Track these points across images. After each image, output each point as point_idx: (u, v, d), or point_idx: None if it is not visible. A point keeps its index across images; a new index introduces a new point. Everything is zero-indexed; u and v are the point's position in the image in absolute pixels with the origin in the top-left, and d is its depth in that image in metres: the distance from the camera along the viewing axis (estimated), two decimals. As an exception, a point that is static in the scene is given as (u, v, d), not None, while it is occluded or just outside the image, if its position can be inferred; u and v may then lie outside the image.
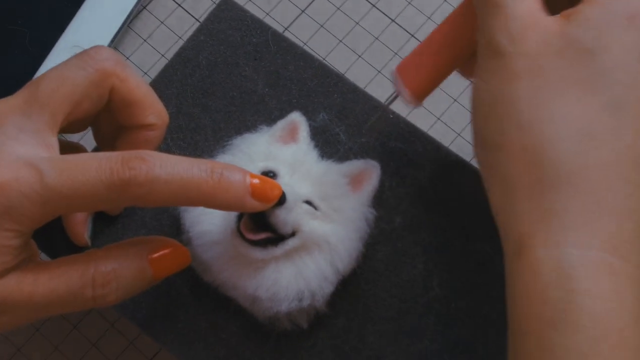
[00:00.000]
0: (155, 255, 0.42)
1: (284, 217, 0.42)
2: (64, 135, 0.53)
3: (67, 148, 0.47)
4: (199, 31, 0.52)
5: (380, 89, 0.60)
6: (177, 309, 0.48)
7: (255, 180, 0.40)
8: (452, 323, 0.47)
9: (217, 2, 0.54)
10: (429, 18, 0.62)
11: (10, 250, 0.38)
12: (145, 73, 0.61)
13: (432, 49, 0.45)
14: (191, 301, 0.48)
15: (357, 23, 0.62)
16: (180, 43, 0.55)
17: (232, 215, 0.44)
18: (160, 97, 0.46)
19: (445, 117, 0.59)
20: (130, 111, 0.44)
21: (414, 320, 0.47)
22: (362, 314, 0.47)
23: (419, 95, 0.45)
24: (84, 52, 0.43)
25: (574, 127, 0.37)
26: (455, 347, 0.47)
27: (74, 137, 0.56)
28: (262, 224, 0.43)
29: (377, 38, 0.61)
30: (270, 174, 0.45)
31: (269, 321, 0.46)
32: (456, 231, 0.49)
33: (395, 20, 0.62)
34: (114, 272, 0.40)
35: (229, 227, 0.44)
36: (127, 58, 0.62)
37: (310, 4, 0.62)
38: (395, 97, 0.47)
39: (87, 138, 0.58)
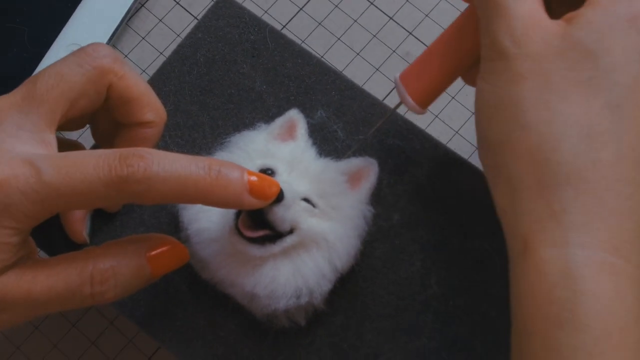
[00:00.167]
0: (154, 252, 0.42)
1: (282, 215, 0.42)
2: (62, 132, 0.53)
3: (65, 146, 0.47)
4: (196, 28, 0.52)
5: (378, 87, 0.60)
6: (175, 307, 0.48)
7: (253, 178, 0.40)
8: (450, 321, 0.47)
9: (215, -1, 0.54)
10: (427, 15, 0.62)
11: (9, 247, 0.39)
12: (144, 71, 0.61)
13: (434, 57, 0.45)
14: (189, 299, 0.48)
15: (355, 21, 0.62)
16: (179, 41, 0.55)
17: (230, 213, 0.44)
18: (158, 94, 0.46)
19: (443, 115, 0.59)
20: (128, 108, 0.44)
21: (412, 318, 0.47)
22: (360, 312, 0.47)
23: (423, 103, 0.46)
24: (82, 50, 0.43)
25: (576, 128, 0.38)
26: (453, 344, 0.47)
27: (72, 135, 0.57)
28: (260, 221, 0.43)
29: (375, 35, 0.61)
30: (268, 171, 0.45)
31: (267, 319, 0.46)
32: (454, 229, 0.49)
33: (393, 18, 0.62)
34: (113, 270, 0.40)
35: (227, 224, 0.44)
36: (126, 56, 0.62)
37: (308, 1, 0.62)
38: (400, 104, 0.47)
39: (85, 136, 0.58)
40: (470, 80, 0.47)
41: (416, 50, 0.61)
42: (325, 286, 0.45)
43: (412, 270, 0.48)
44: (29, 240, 0.41)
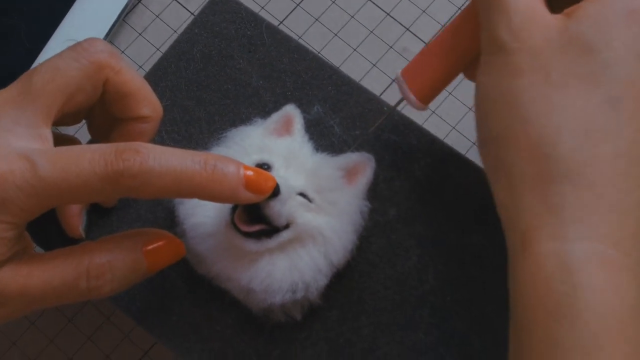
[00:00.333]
0: (150, 247, 0.42)
1: (278, 209, 0.42)
2: (58, 127, 0.53)
3: (62, 141, 0.47)
4: (193, 24, 0.52)
5: (375, 82, 0.60)
6: (171, 302, 0.48)
7: (249, 172, 0.40)
8: (447, 315, 0.47)
9: (211, -5, 0.54)
10: (424, 12, 0.62)
11: (4, 242, 0.38)
12: (141, 67, 0.61)
13: (436, 53, 0.45)
14: (185, 293, 0.48)
15: (352, 17, 0.62)
16: (175, 37, 0.55)
17: (226, 208, 0.44)
18: (155, 90, 0.46)
19: (440, 110, 0.59)
20: (124, 103, 0.44)
21: (409, 313, 0.47)
22: (356, 306, 0.47)
23: (425, 100, 0.46)
24: (78, 44, 0.43)
25: (576, 122, 0.38)
26: (450, 339, 0.47)
27: (68, 130, 0.57)
28: (256, 216, 0.43)
29: (371, 31, 0.61)
30: (264, 166, 0.45)
31: (263, 313, 0.46)
32: (451, 224, 0.49)
33: (390, 14, 0.62)
34: (109, 264, 0.40)
35: (223, 219, 0.44)
36: (123, 52, 0.62)
37: (305, -3, 0.62)
38: (401, 101, 0.47)
39: (81, 131, 0.58)
40: (471, 76, 0.46)
41: (413, 46, 0.61)
42: (322, 281, 0.45)
43: (408, 265, 0.48)
44: (24, 235, 0.41)
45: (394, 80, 0.60)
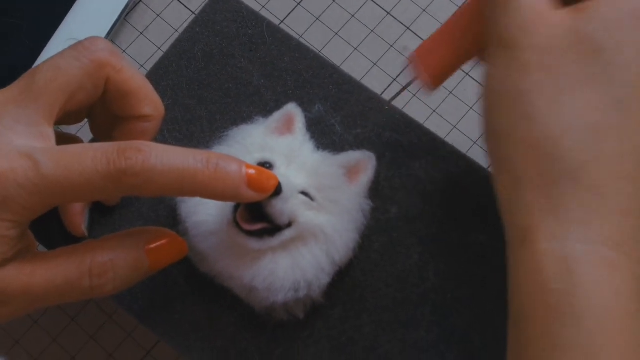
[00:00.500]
0: (152, 245, 0.42)
1: (280, 208, 0.42)
2: (60, 127, 0.53)
3: (64, 140, 0.47)
4: (194, 23, 0.53)
5: (375, 81, 0.60)
6: (173, 300, 0.48)
7: (251, 171, 0.40)
8: (448, 313, 0.47)
9: (212, -6, 0.54)
10: (424, 10, 0.62)
11: (7, 240, 0.39)
12: (142, 66, 0.61)
13: (452, 33, 0.44)
14: (188, 292, 0.48)
15: (353, 16, 0.62)
16: (177, 36, 0.55)
17: (229, 206, 0.44)
18: (156, 89, 0.46)
19: (440, 109, 0.60)
20: (126, 102, 0.44)
21: (410, 311, 0.47)
22: (358, 305, 0.47)
23: (437, 80, 0.45)
24: (79, 43, 0.43)
25: (581, 123, 0.37)
26: (451, 337, 0.47)
27: (71, 129, 0.57)
28: (258, 214, 0.43)
29: (372, 30, 0.62)
30: (266, 164, 0.46)
31: (265, 311, 0.46)
32: (452, 222, 0.49)
33: (391, 13, 0.62)
34: (111, 263, 0.41)
35: (225, 217, 0.44)
36: (124, 51, 0.62)
37: (306, -4, 0.62)
38: (411, 82, 0.47)
39: (83, 130, 0.58)
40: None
41: (414, 45, 0.61)
42: (324, 279, 0.45)
43: (410, 263, 0.48)
44: (27, 234, 0.41)
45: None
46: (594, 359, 0.35)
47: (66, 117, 0.44)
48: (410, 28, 0.62)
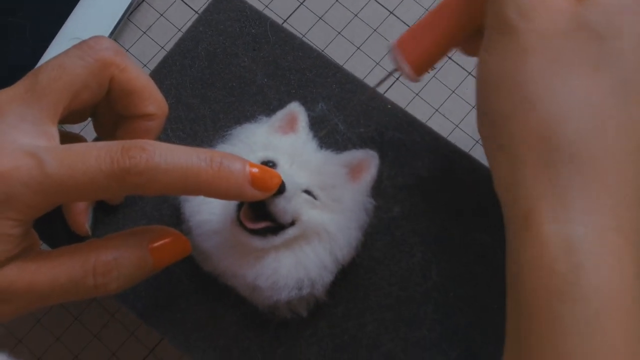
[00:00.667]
0: (156, 244, 0.42)
1: (284, 206, 0.43)
2: (64, 126, 0.53)
3: (67, 138, 0.47)
4: (198, 22, 0.53)
5: (378, 80, 0.60)
6: (177, 299, 0.48)
7: (255, 169, 0.41)
8: (450, 312, 0.47)
9: (216, -7, 0.55)
10: (427, 10, 0.62)
11: (12, 239, 0.39)
12: (145, 65, 0.61)
13: (432, 23, 0.45)
14: (191, 291, 0.48)
15: (356, 15, 0.62)
16: (180, 35, 0.55)
17: (232, 205, 0.44)
18: (160, 88, 0.46)
19: (443, 108, 0.60)
20: (130, 101, 0.45)
21: (413, 309, 0.47)
22: (361, 303, 0.47)
23: (419, 70, 0.45)
24: (84, 42, 0.43)
25: (582, 106, 0.38)
26: (454, 335, 0.47)
27: (74, 128, 0.57)
28: (261, 213, 0.43)
29: (375, 30, 0.62)
30: (269, 163, 0.46)
31: (268, 310, 0.46)
32: (454, 221, 0.49)
33: (394, 12, 0.62)
34: (115, 261, 0.41)
35: (228, 216, 0.44)
36: (127, 50, 0.62)
37: (309, -5, 0.63)
38: (389, 75, 0.47)
39: (86, 129, 0.58)
40: (470, 50, 0.47)
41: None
42: (327, 277, 0.45)
43: (412, 262, 0.48)
44: (31, 232, 0.41)
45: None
46: (598, 339, 0.36)
47: (70, 116, 0.44)
48: (413, 27, 0.62)
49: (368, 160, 0.48)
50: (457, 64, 0.60)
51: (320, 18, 0.62)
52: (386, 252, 0.48)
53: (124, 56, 0.44)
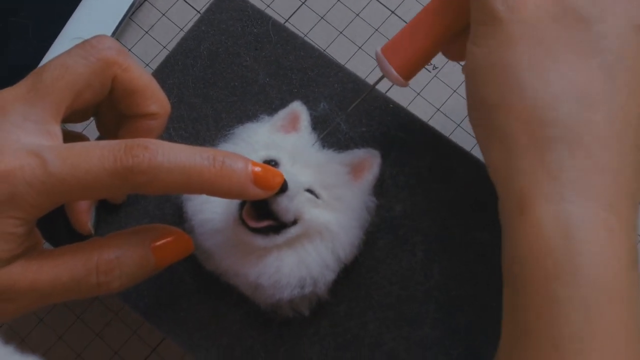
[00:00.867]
0: (158, 243, 0.42)
1: (286, 205, 0.43)
2: (66, 125, 0.53)
3: (70, 138, 0.47)
4: (200, 22, 0.53)
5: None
6: (179, 298, 0.48)
7: (257, 168, 0.41)
8: (452, 310, 0.47)
9: (218, -7, 0.55)
10: (429, 9, 0.62)
11: (15, 237, 0.39)
12: (147, 64, 0.62)
13: (416, 28, 0.46)
14: (193, 289, 0.48)
15: (357, 15, 0.62)
16: (182, 35, 0.55)
17: (234, 204, 0.44)
18: (162, 87, 0.46)
19: (444, 107, 0.60)
20: (133, 100, 0.45)
21: (415, 308, 0.47)
22: (363, 302, 0.48)
23: (406, 75, 0.46)
24: (86, 42, 0.43)
25: (570, 89, 0.38)
26: (456, 334, 0.47)
27: (77, 128, 0.57)
28: (264, 212, 0.43)
29: (377, 29, 0.62)
30: (271, 162, 0.46)
31: (271, 309, 0.46)
32: (456, 220, 0.49)
33: (395, 12, 0.62)
34: (118, 260, 0.41)
35: (231, 215, 0.44)
36: (129, 50, 0.62)
37: (311, -5, 0.63)
38: (381, 78, 0.47)
39: (89, 129, 0.58)
40: (451, 55, 0.47)
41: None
42: (329, 276, 0.45)
43: (414, 261, 0.48)
44: (34, 231, 0.41)
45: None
46: (595, 315, 0.36)
47: (73, 115, 0.44)
48: (415, 27, 0.62)
49: (370, 159, 0.48)
50: (459, 63, 0.60)
51: (322, 18, 0.62)
52: (388, 251, 0.48)
53: (127, 55, 0.44)
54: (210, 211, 0.46)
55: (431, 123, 0.58)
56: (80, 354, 0.56)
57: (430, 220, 0.49)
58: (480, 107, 0.41)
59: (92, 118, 0.48)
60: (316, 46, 0.53)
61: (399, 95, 0.59)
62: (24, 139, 0.39)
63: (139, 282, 0.42)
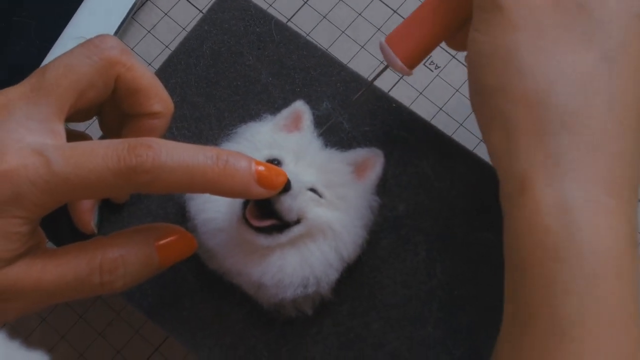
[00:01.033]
0: (162, 242, 0.42)
1: (289, 204, 0.43)
2: (69, 124, 0.53)
3: (72, 137, 0.47)
4: (202, 21, 0.53)
5: (382, 79, 0.60)
6: (182, 297, 0.48)
7: (261, 168, 0.41)
8: (454, 310, 0.47)
9: (220, -8, 0.55)
10: (431, 8, 0.62)
11: (19, 237, 0.39)
12: (150, 64, 0.62)
13: (421, 18, 0.46)
14: (196, 289, 0.48)
15: (360, 14, 0.62)
16: (184, 34, 0.55)
17: (238, 203, 0.44)
18: (165, 86, 0.46)
19: (447, 107, 0.60)
20: (136, 99, 0.45)
21: (418, 307, 0.47)
22: (366, 301, 0.48)
23: (410, 63, 0.46)
24: (90, 41, 0.43)
25: (571, 75, 0.39)
26: (458, 333, 0.47)
27: (79, 127, 0.57)
28: (267, 211, 0.43)
29: (379, 29, 0.62)
30: (274, 161, 0.46)
31: (274, 308, 0.46)
32: (458, 219, 0.49)
33: (397, 11, 0.62)
34: (122, 259, 0.41)
35: (234, 214, 0.44)
36: (132, 49, 0.62)
37: (313, -6, 0.63)
38: (384, 70, 0.48)
39: (92, 128, 0.58)
40: (455, 45, 0.48)
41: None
42: (332, 275, 0.45)
43: (417, 260, 0.48)
44: (38, 230, 0.41)
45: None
46: (594, 298, 0.37)
47: (76, 114, 0.44)
48: (417, 26, 0.62)
49: (373, 159, 0.48)
50: (461, 62, 0.60)
51: (324, 17, 0.62)
52: (391, 251, 0.48)
53: (130, 55, 0.44)
54: (213, 210, 0.46)
55: (434, 122, 0.58)
56: (82, 354, 0.56)
57: (433, 220, 0.49)
58: (482, 92, 0.41)
59: (94, 117, 0.48)
60: (319, 45, 0.53)
61: (402, 95, 0.59)
62: (27, 138, 0.39)
63: (142, 281, 0.42)
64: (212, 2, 0.54)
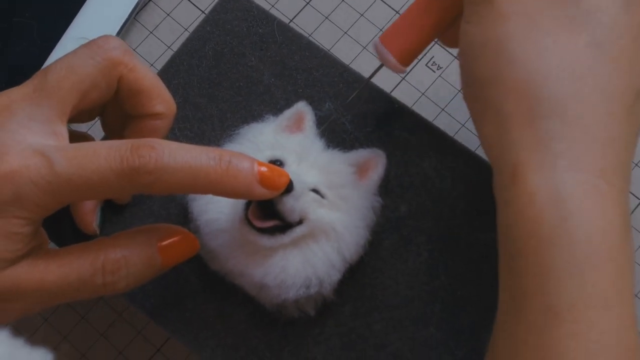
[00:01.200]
0: (165, 242, 0.42)
1: (292, 205, 0.43)
2: (71, 125, 0.53)
3: (75, 138, 0.47)
4: (205, 22, 0.53)
5: (384, 80, 0.60)
6: (185, 298, 0.48)
7: (263, 168, 0.41)
8: (457, 311, 0.47)
9: (222, -7, 0.55)
10: (433, 9, 0.62)
11: (21, 237, 0.39)
12: (152, 65, 0.62)
13: (413, 15, 0.46)
14: (199, 289, 0.48)
15: (362, 15, 0.62)
16: (186, 35, 0.55)
17: (240, 203, 0.44)
18: (168, 87, 0.46)
19: (449, 108, 0.60)
20: (138, 100, 0.45)
21: (420, 308, 0.47)
22: (368, 302, 0.48)
23: (404, 60, 0.47)
24: (92, 42, 0.43)
25: (561, 63, 0.39)
26: (460, 334, 0.47)
27: (81, 128, 0.57)
28: (269, 211, 0.43)
29: (381, 29, 0.62)
30: (277, 162, 0.46)
31: (276, 309, 0.46)
32: (461, 220, 0.49)
33: (400, 12, 0.62)
34: (124, 260, 0.41)
35: (236, 215, 0.44)
36: (134, 50, 0.62)
37: (315, -5, 0.63)
38: (378, 69, 0.48)
39: (94, 129, 0.58)
40: (448, 41, 0.48)
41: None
42: (335, 276, 0.45)
43: (419, 261, 0.48)
44: (40, 231, 0.41)
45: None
46: (589, 284, 0.37)
47: (79, 115, 0.44)
48: (419, 27, 0.62)
49: (375, 159, 0.48)
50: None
51: (326, 18, 0.62)
52: (393, 251, 0.48)
53: (133, 56, 0.44)
54: (216, 211, 0.46)
55: (436, 123, 0.58)
56: (84, 354, 0.56)
57: (435, 221, 0.49)
58: (474, 83, 0.42)
59: (97, 118, 0.48)
60: (321, 46, 0.53)
61: (404, 95, 0.59)
62: (29, 139, 0.40)
63: (145, 282, 0.42)
64: (214, 2, 0.54)
